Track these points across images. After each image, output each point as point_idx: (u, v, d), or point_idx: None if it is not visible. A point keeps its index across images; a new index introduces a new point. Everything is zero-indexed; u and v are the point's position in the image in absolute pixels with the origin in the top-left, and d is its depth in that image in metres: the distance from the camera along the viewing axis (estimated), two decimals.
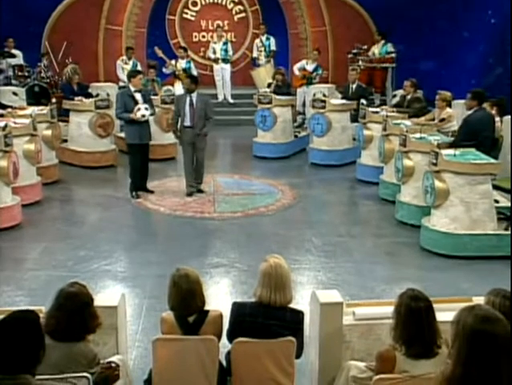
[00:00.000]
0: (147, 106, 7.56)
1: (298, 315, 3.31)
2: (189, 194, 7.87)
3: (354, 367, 3.20)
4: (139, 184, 7.83)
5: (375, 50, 12.35)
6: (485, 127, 6.42)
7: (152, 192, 7.90)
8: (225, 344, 3.35)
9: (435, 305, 2.89)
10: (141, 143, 7.68)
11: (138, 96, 7.61)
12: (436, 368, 2.71)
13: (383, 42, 12.27)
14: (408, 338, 2.83)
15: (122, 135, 10.45)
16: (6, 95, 9.40)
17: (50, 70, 11.44)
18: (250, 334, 3.19)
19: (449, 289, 5.00)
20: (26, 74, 11.09)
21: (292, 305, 3.33)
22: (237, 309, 3.30)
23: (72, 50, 11.84)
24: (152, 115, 7.86)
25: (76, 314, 2.89)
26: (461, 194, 5.97)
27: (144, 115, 7.48)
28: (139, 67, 11.64)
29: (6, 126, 6.73)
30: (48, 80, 11.15)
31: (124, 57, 11.86)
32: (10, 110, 8.26)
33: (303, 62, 12.17)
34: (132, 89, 7.63)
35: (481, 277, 5.35)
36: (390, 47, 12.18)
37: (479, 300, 3.18)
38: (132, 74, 7.89)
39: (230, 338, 3.27)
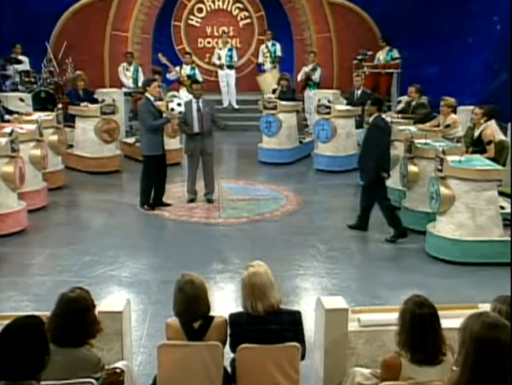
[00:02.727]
0: (179, 102, 7.42)
1: (295, 315, 3.31)
2: (190, 201, 7.86)
3: (359, 374, 3.19)
4: (152, 198, 7.62)
5: (380, 56, 12.36)
6: (384, 132, 6.69)
7: (169, 204, 7.72)
8: (229, 350, 3.35)
9: (440, 312, 2.88)
10: (162, 154, 7.54)
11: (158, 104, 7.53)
12: (442, 375, 2.71)
13: (387, 48, 12.28)
14: (412, 344, 2.83)
15: (127, 140, 10.55)
16: (12, 101, 9.45)
17: (56, 75, 11.43)
18: (253, 342, 3.18)
19: (454, 296, 4.98)
20: (33, 80, 11.16)
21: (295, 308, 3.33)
22: (234, 320, 3.29)
23: (78, 56, 11.91)
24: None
25: (75, 319, 2.89)
26: (466, 200, 5.96)
27: (176, 110, 7.31)
28: (141, 72, 11.69)
29: (12, 131, 6.77)
30: (54, 86, 11.20)
31: (125, 64, 11.84)
32: (16, 115, 8.32)
33: (303, 69, 12.21)
34: (152, 98, 7.47)
35: (487, 283, 5.33)
36: (395, 53, 12.18)
37: (484, 307, 3.17)
38: (147, 82, 7.69)
39: (233, 349, 3.26)
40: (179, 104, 7.41)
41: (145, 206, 7.56)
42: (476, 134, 7.09)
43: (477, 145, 7.01)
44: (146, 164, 7.60)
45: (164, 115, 7.48)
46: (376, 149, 6.57)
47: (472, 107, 9.09)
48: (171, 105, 7.43)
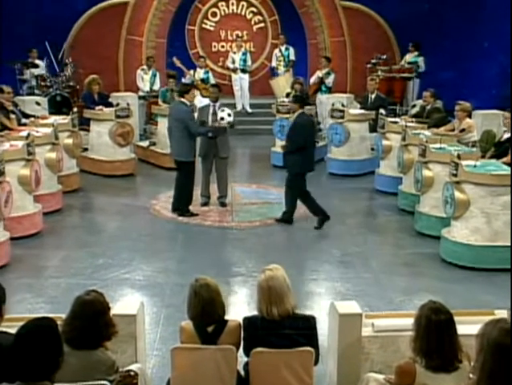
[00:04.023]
0: (229, 112, 7.42)
1: (310, 321, 3.30)
2: (204, 204, 7.87)
3: (373, 380, 3.17)
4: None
5: (407, 57, 12.30)
6: (309, 129, 7.04)
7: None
8: (243, 354, 3.34)
9: (456, 318, 2.85)
10: (194, 160, 7.58)
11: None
12: (457, 383, 2.68)
13: (416, 53, 12.20)
14: (427, 351, 2.80)
15: (141, 144, 10.61)
16: (29, 105, 9.56)
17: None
18: (267, 347, 3.17)
19: (470, 302, 4.94)
20: (49, 84, 11.27)
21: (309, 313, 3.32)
22: (249, 324, 3.29)
23: (93, 60, 12.00)
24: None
25: (90, 322, 2.90)
26: (481, 205, 5.91)
27: (226, 120, 7.33)
28: (157, 77, 11.80)
29: (28, 135, 6.84)
30: (70, 90, 11.30)
31: (145, 66, 12.00)
32: (32, 119, 8.40)
33: (317, 73, 12.19)
34: (189, 104, 7.51)
35: (503, 289, 5.26)
36: (417, 58, 12.09)
37: (501, 313, 3.14)
38: (185, 89, 7.53)
39: (247, 353, 3.26)
40: (229, 114, 7.37)
41: (187, 214, 7.43)
42: (505, 136, 7.02)
43: (499, 148, 6.94)
44: (185, 170, 7.43)
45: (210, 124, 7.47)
46: (293, 145, 6.92)
47: (484, 112, 9.08)
48: (220, 114, 7.38)
